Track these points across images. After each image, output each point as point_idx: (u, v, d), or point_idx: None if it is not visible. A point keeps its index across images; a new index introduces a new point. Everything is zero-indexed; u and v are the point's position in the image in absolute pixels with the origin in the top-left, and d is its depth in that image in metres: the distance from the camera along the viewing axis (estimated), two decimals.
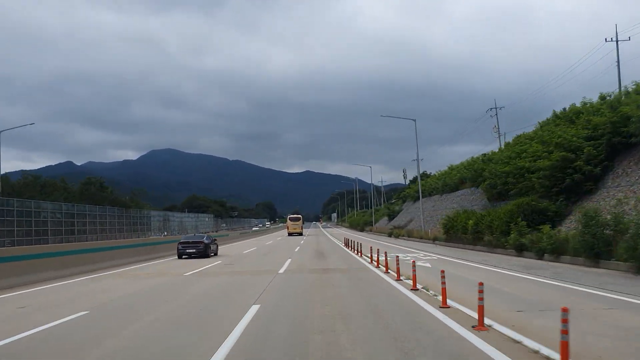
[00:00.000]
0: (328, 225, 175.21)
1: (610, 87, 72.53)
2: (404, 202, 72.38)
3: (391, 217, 67.05)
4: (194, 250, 24.71)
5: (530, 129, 44.57)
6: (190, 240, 25.67)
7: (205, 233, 38.07)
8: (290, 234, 62.09)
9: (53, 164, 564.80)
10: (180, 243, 25.51)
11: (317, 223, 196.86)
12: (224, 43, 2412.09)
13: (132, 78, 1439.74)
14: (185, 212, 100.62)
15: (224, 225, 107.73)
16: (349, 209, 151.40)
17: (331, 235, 61.17)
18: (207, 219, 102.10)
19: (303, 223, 69.67)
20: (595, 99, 28.90)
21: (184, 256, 24.74)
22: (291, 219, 66.78)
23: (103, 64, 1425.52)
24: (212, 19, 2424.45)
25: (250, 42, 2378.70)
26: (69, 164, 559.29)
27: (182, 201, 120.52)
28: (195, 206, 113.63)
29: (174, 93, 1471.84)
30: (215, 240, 28.48)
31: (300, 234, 62.60)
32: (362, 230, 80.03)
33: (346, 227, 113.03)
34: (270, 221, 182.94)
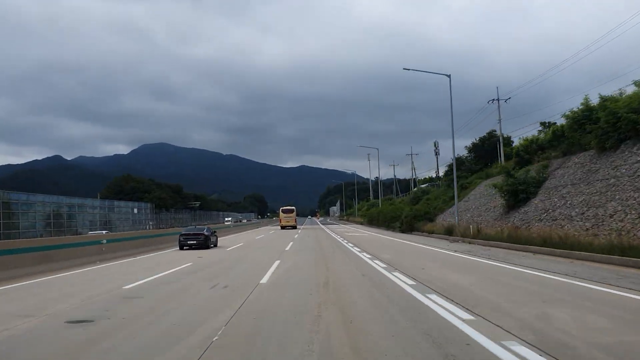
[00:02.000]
0: (328, 220, 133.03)
1: None
2: (521, 163, 29.66)
3: (519, 197, 23.85)
4: (195, 242, 24.34)
5: None
6: (191, 233, 25.42)
7: (205, 225, 34.69)
8: (283, 227, 58.44)
9: (40, 158, 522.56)
10: (182, 235, 25.13)
11: (313, 218, 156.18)
12: (213, 31, 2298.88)
13: (119, 68, 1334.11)
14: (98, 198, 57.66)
15: (149, 223, 64.12)
16: (356, 201, 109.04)
17: (356, 247, 19.17)
18: (134, 210, 59.37)
19: (297, 216, 66.06)
20: None
21: (185, 247, 24.26)
22: (284, 211, 62.24)
23: (88, 53, 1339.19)
24: (199, 5, 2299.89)
25: (240, 31, 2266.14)
26: (57, 158, 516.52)
27: (110, 181, 75.88)
28: (128, 191, 71.33)
29: (163, 84, 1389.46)
30: (215, 232, 27.86)
31: (294, 226, 59.09)
32: (410, 230, 37.55)
33: (360, 224, 70.64)
34: (245, 217, 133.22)
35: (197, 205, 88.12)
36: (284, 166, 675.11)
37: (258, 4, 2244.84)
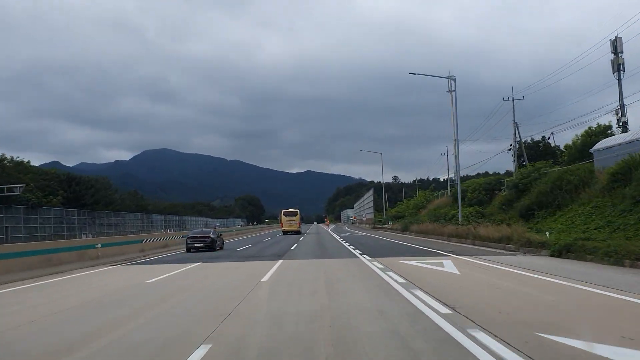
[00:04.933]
0: (346, 227, 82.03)
1: None
2: None
3: None
4: (202, 245, 24.58)
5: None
6: (198, 235, 25.56)
7: (211, 228, 35.26)
8: (285, 233, 50.54)
9: (38, 164, 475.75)
10: (189, 237, 25.29)
11: (320, 225, 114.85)
12: (209, 29, 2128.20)
13: (113, 69, 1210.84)
14: None
15: None
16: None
17: None
18: None
19: (301, 220, 57.94)
20: None
21: (192, 250, 24.39)
22: (286, 214, 53.60)
23: (79, 53, 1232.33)
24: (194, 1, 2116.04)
25: (239, 28, 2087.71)
26: (55, 164, 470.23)
27: None
28: None
29: (161, 86, 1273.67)
30: (221, 235, 27.98)
31: (298, 232, 51.08)
32: None
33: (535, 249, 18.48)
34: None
35: (17, 193, 35.05)
36: (290, 171, 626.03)
37: (258, 0, 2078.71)
